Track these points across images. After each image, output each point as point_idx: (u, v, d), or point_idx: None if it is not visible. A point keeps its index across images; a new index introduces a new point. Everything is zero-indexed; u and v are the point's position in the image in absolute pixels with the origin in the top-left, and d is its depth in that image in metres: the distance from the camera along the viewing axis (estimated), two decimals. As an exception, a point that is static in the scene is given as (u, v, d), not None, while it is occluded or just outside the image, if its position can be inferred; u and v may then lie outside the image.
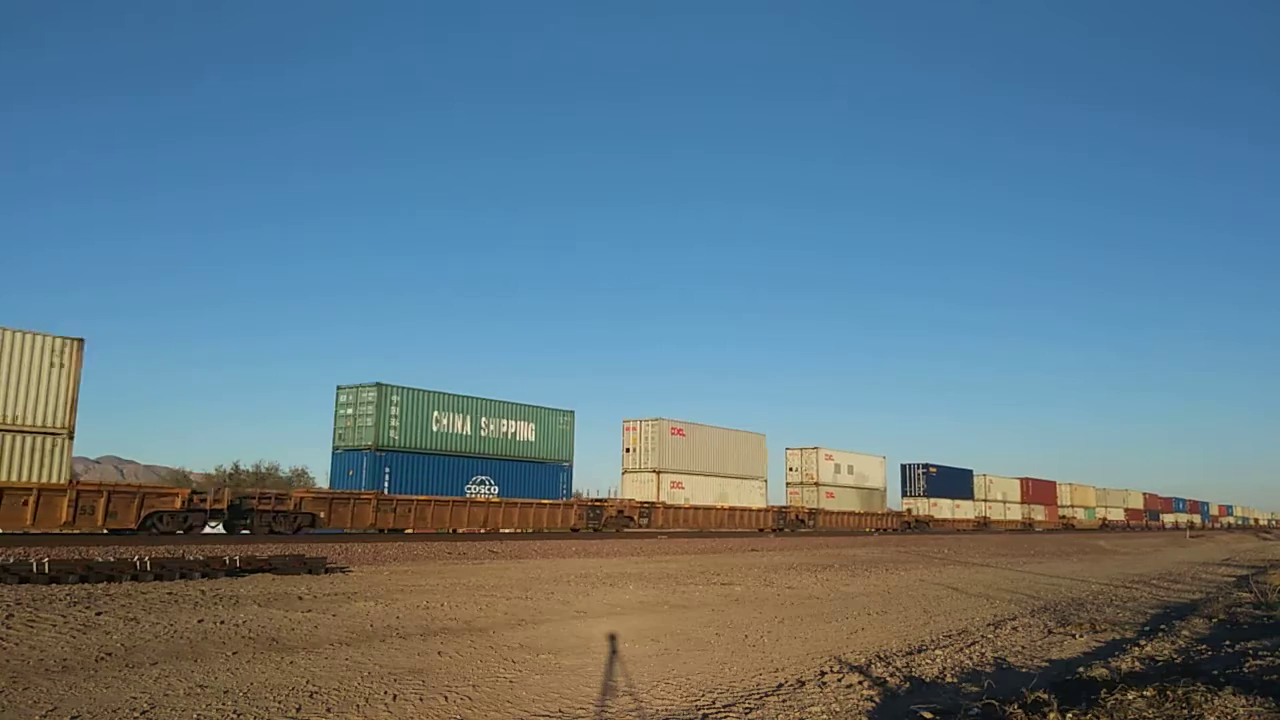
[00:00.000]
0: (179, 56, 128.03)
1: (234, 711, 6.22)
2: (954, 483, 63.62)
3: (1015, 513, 72.08)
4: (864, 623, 12.63)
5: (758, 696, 7.50)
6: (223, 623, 9.91)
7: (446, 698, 6.98)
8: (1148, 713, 6.16)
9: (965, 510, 64.00)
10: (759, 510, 43.55)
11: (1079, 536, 61.61)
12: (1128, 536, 64.83)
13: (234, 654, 8.26)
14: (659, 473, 37.79)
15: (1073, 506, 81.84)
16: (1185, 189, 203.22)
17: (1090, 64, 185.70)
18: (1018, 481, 74.65)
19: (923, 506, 59.27)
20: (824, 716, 6.85)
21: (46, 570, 12.70)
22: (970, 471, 66.82)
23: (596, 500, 38.03)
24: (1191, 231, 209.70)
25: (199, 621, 9.89)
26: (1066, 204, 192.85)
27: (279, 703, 6.53)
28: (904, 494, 60.16)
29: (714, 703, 7.23)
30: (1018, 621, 13.49)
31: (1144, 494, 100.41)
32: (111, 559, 14.24)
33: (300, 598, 12.44)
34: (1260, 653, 9.34)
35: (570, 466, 34.86)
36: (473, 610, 12.04)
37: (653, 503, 37.25)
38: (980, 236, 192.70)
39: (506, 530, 31.59)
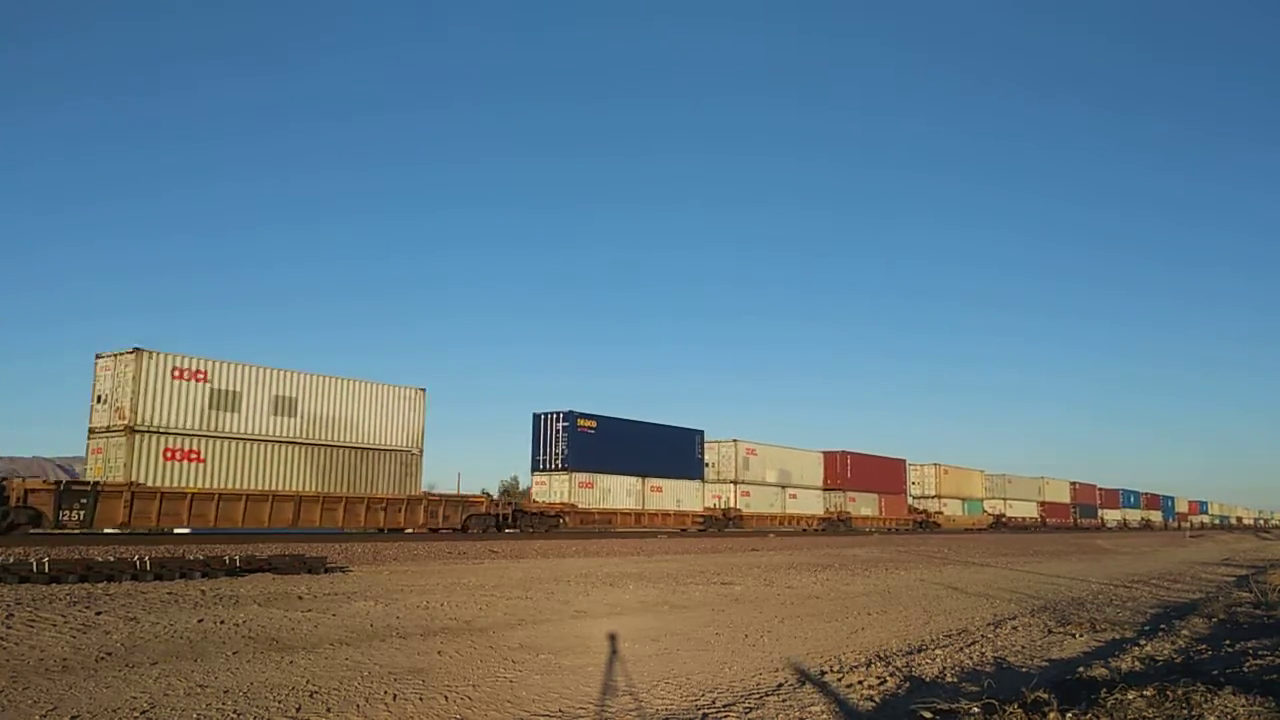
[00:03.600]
0: (180, 56, 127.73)
1: (234, 711, 6.22)
2: (641, 450, 38.06)
3: (812, 503, 48.58)
4: (864, 622, 12.63)
5: (758, 696, 7.50)
6: (223, 622, 9.91)
7: (446, 697, 6.98)
8: (1148, 712, 6.16)
9: (675, 495, 39.44)
10: None
11: (1079, 537, 57.81)
12: (1127, 536, 64.05)
13: (234, 654, 8.26)
14: None
15: (938, 497, 61.17)
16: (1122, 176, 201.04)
17: (1089, 64, 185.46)
18: (818, 456, 50.02)
19: (560, 488, 35.11)
20: (824, 716, 6.85)
21: (46, 570, 12.71)
22: (696, 434, 41.41)
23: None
24: (1172, 227, 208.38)
25: (199, 621, 9.89)
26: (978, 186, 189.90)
27: (279, 703, 6.53)
28: (535, 467, 36.33)
29: (714, 702, 7.23)
30: (1018, 621, 13.50)
31: (1072, 484, 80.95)
32: (111, 559, 14.24)
33: (300, 597, 12.44)
34: (1260, 652, 9.35)
35: None
36: (473, 610, 12.05)
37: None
38: (970, 235, 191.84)
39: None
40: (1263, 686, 6.95)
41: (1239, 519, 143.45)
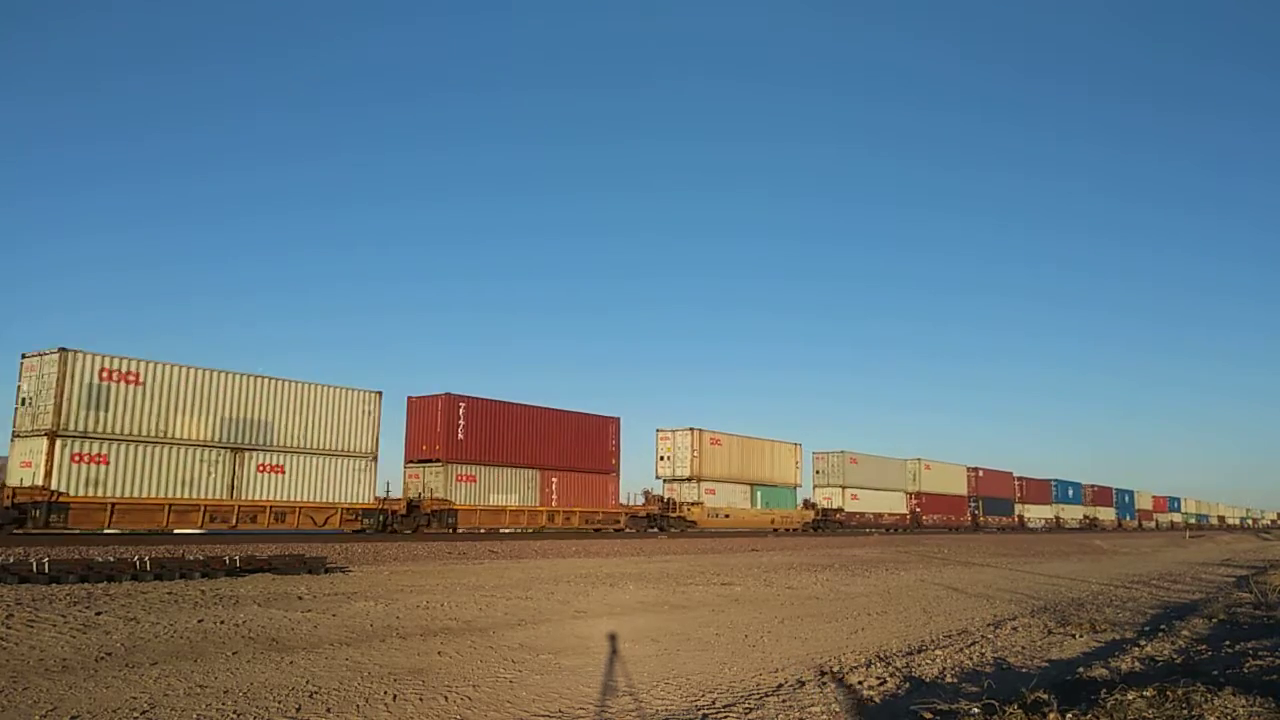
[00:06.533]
0: (164, 44, 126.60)
1: (234, 711, 6.22)
2: None
3: (347, 482, 27.26)
4: (864, 623, 12.64)
5: (758, 696, 7.50)
6: (223, 623, 9.91)
7: (446, 698, 6.98)
8: (1148, 713, 6.16)
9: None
10: None
11: (1079, 536, 56.52)
12: (1128, 537, 63.76)
13: (234, 654, 8.27)
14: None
15: (697, 480, 40.09)
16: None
17: (1108, 54, 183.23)
18: (372, 396, 28.21)
19: None
20: (824, 716, 6.85)
21: (46, 570, 12.70)
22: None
23: None
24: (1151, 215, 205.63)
25: (199, 621, 9.89)
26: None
27: (279, 703, 6.53)
28: None
29: (714, 703, 7.23)
30: (1018, 621, 13.50)
31: (971, 470, 63.16)
32: (111, 559, 14.23)
33: (300, 598, 12.44)
34: (1260, 653, 9.35)
35: None
36: (473, 610, 12.05)
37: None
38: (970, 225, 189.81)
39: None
40: (1263, 687, 6.95)
41: (1221, 518, 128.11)
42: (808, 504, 49.11)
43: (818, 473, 51.06)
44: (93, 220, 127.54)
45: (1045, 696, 6.67)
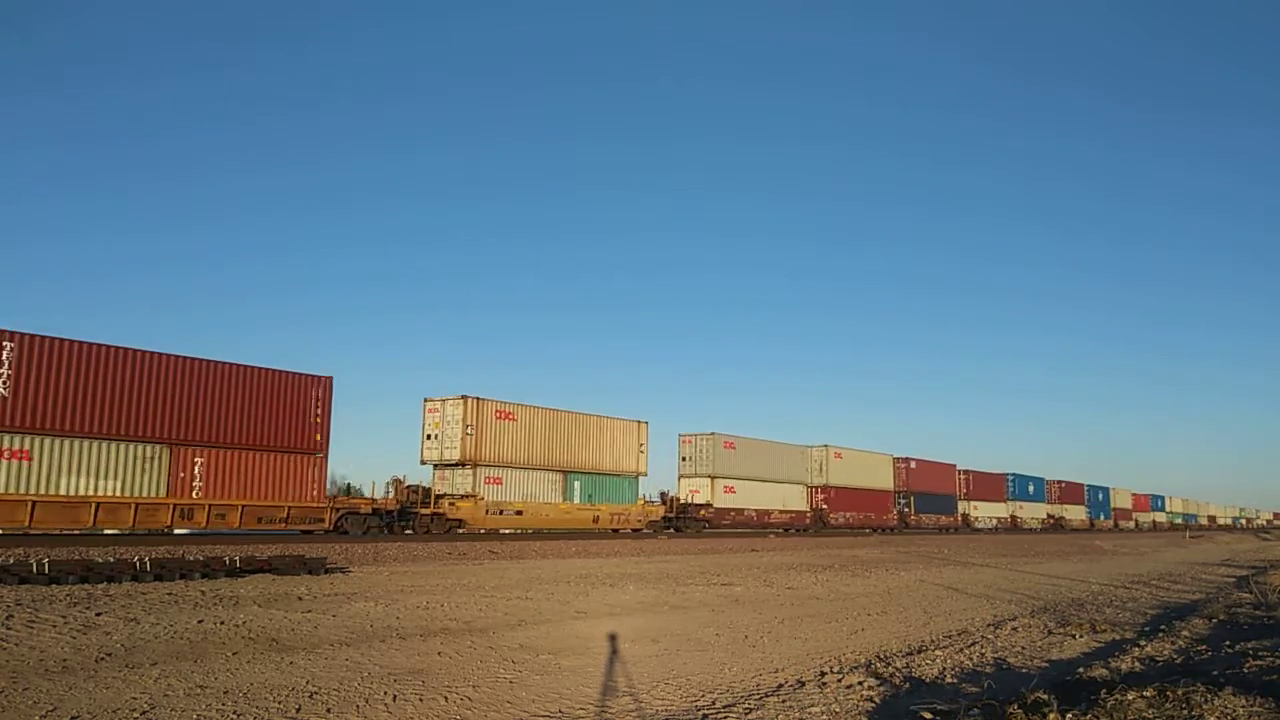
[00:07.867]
0: (165, 43, 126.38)
1: (234, 711, 6.22)
2: None
3: None
4: (864, 623, 12.64)
5: (758, 697, 7.50)
6: (223, 623, 9.91)
7: (446, 698, 6.98)
8: (1148, 713, 6.16)
9: None
10: None
11: (1081, 537, 56.05)
12: (1128, 537, 63.69)
13: (234, 654, 8.27)
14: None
15: (470, 465, 30.73)
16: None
17: (1108, 54, 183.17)
18: None
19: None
20: (824, 717, 6.85)
21: (46, 570, 12.71)
22: None
23: None
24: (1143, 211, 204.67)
25: (199, 622, 9.89)
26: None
27: (279, 703, 6.53)
28: None
29: (714, 703, 7.24)
30: (1018, 622, 13.50)
31: (899, 461, 54.27)
32: (111, 559, 14.23)
33: (300, 598, 12.45)
34: (1260, 653, 9.35)
35: None
36: (473, 610, 12.05)
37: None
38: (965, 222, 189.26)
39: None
40: (1263, 687, 6.95)
41: (1211, 518, 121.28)
42: (663, 497, 40.09)
43: (684, 460, 42.07)
44: (93, 220, 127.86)
45: (1045, 697, 6.67)
